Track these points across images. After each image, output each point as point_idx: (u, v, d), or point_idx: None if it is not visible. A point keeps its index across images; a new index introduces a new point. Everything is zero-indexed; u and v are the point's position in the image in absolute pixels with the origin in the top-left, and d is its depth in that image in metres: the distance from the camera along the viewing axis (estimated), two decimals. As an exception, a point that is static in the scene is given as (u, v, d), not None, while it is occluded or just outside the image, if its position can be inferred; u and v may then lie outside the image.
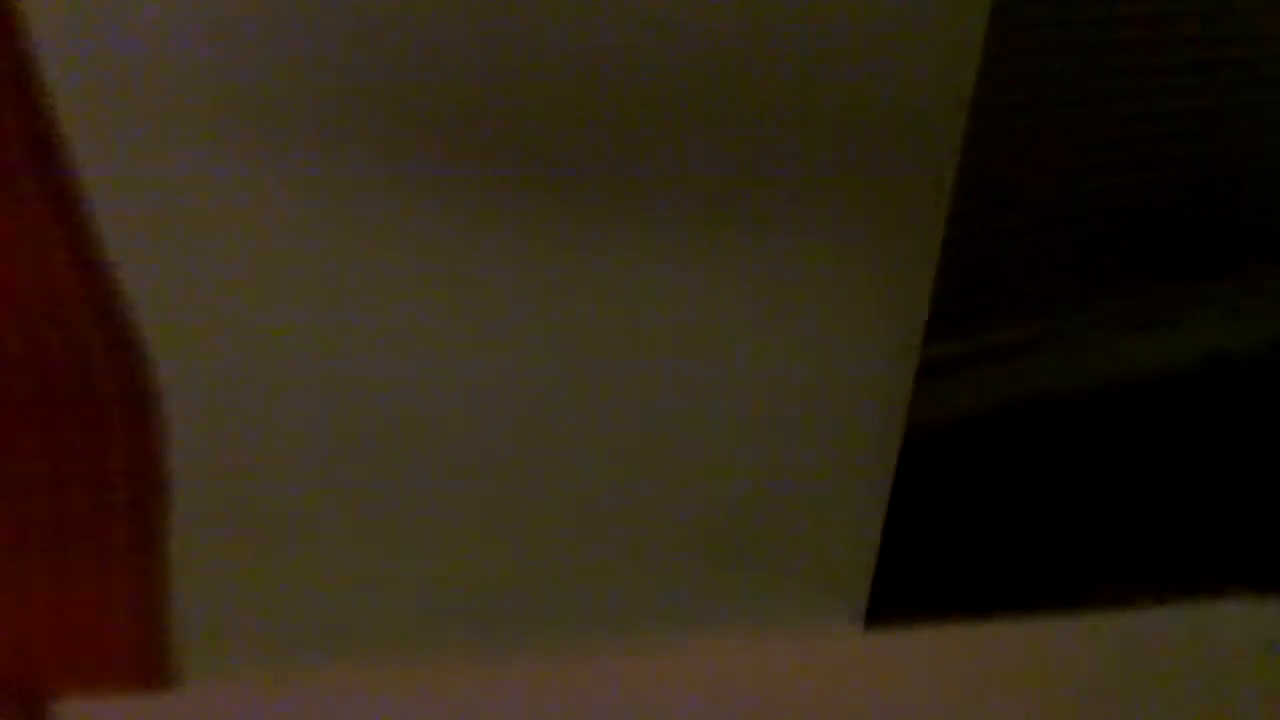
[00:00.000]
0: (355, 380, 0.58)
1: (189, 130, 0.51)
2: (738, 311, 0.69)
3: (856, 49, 0.66)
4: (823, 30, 0.61)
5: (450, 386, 0.57)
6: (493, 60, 0.54)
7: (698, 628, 0.69)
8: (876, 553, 0.74)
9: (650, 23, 0.54)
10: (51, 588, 0.14)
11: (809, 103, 0.64)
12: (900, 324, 0.75)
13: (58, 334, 0.15)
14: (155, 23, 0.48)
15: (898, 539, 0.80)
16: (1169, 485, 1.29)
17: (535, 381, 0.65)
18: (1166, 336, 1.30)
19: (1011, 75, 1.16)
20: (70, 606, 0.14)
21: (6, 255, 0.13)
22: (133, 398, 0.18)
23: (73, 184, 0.14)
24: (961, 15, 0.67)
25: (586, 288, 0.64)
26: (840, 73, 0.65)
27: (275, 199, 0.53)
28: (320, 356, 0.57)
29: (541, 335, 0.63)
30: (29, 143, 0.13)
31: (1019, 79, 1.16)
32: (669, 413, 0.68)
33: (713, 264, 0.67)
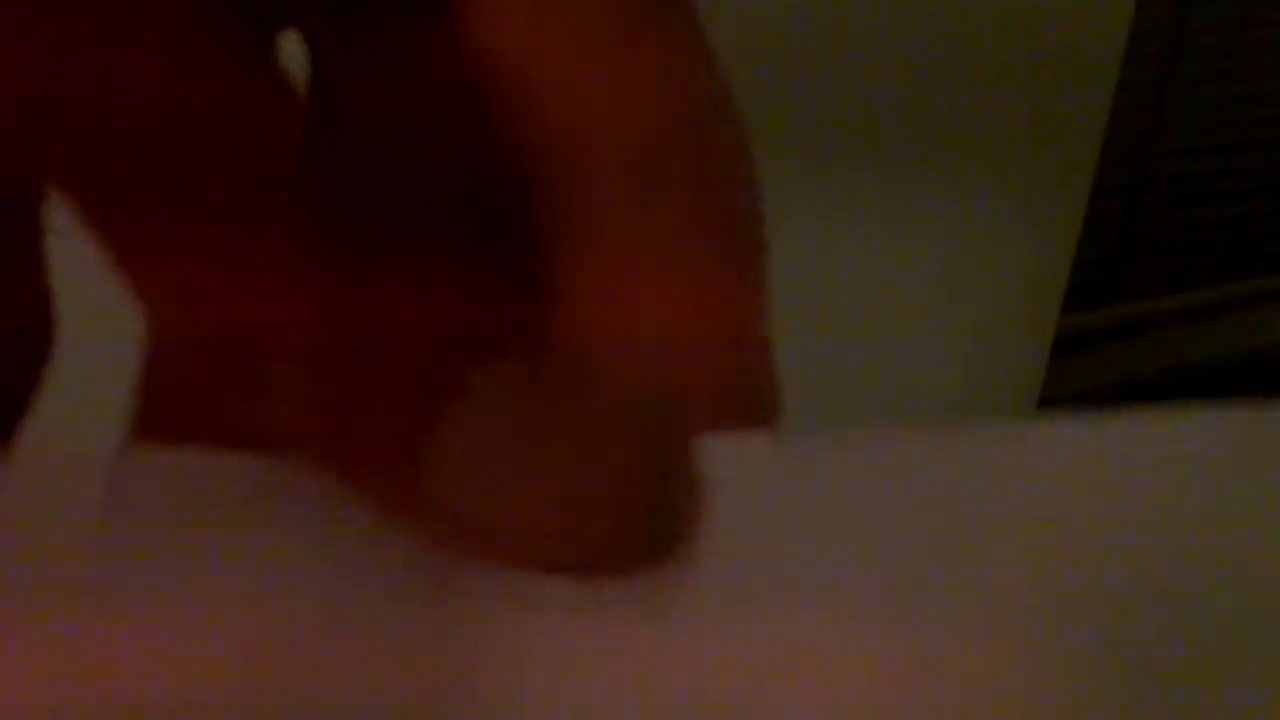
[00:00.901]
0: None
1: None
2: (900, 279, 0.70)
3: (1021, 28, 0.67)
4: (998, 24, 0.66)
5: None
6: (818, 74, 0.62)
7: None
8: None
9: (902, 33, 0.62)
10: (692, 302, 0.13)
11: (983, 86, 0.67)
12: (1041, 294, 0.75)
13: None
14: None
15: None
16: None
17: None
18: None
19: (1166, 51, 1.13)
20: (708, 324, 0.13)
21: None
22: None
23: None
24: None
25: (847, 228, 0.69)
26: (1006, 50, 0.66)
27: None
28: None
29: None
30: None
31: (1174, 55, 1.14)
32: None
33: (901, 228, 0.69)
